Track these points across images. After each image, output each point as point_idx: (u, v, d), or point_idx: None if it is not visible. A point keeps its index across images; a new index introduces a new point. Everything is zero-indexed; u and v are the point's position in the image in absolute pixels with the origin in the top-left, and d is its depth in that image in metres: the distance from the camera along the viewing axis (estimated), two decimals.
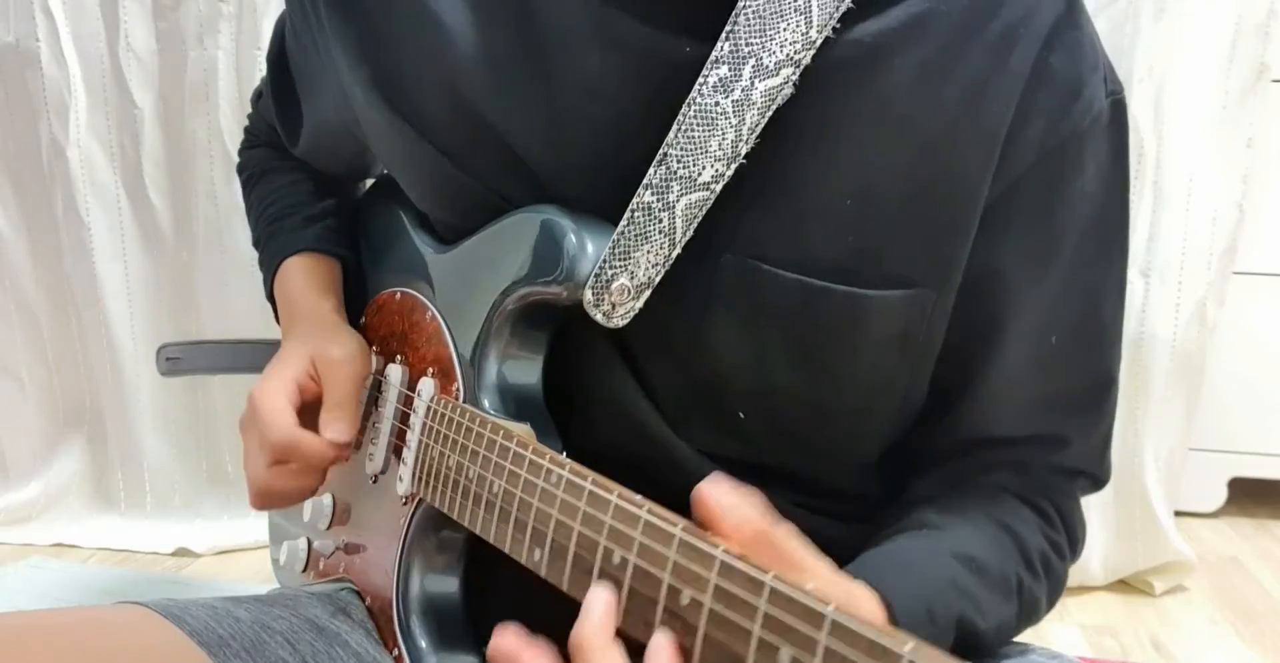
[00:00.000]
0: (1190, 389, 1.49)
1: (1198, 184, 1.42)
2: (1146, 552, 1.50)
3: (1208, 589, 1.52)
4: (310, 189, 0.85)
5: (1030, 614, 0.64)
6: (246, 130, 0.92)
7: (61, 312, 1.62)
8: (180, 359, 1.03)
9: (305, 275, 0.79)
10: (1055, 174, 0.59)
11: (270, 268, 0.81)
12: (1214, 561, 1.61)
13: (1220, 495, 1.76)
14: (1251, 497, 1.81)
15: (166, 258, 1.57)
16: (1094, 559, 1.49)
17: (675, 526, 0.45)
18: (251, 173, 0.89)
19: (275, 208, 0.84)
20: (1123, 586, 1.53)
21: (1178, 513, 1.57)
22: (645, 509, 0.47)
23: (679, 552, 0.44)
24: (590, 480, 0.50)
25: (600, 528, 0.49)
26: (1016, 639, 0.67)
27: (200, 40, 1.47)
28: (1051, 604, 0.66)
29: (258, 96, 0.91)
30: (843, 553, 0.66)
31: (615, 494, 0.48)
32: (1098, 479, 0.69)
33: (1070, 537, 0.67)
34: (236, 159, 0.93)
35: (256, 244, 0.85)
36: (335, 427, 0.68)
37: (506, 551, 0.56)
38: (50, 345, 1.64)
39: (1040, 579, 0.63)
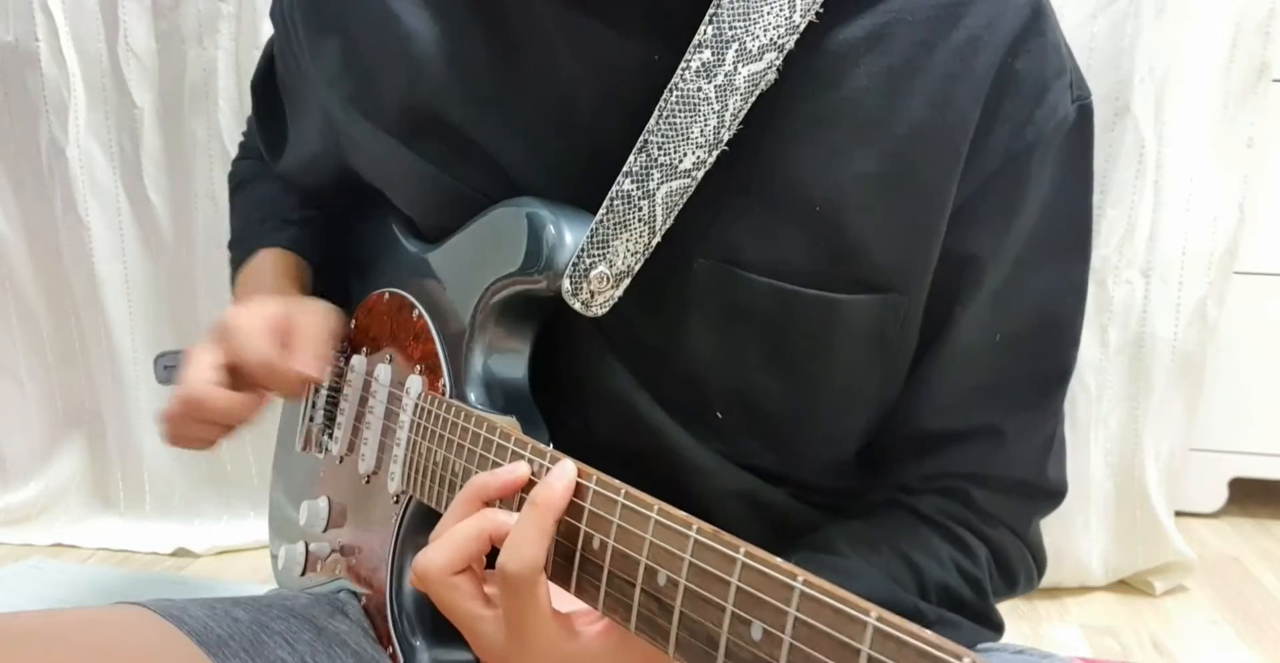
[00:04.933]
0: (1190, 389, 1.48)
1: (1198, 184, 1.41)
2: (1147, 552, 1.49)
3: (1208, 590, 1.51)
4: (295, 201, 0.85)
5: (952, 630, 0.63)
6: (241, 145, 0.93)
7: (61, 312, 1.62)
8: (178, 368, 1.04)
9: (275, 263, 0.80)
10: (1019, 178, 0.60)
11: (238, 261, 0.82)
12: (1214, 561, 1.60)
13: (1221, 496, 1.76)
14: (1252, 497, 1.81)
15: (166, 258, 1.57)
16: (1094, 559, 1.49)
17: (651, 508, 0.45)
18: (240, 180, 0.90)
19: (259, 212, 0.84)
20: (1123, 586, 1.52)
21: (1178, 513, 1.57)
22: (622, 493, 0.47)
23: (655, 533, 0.45)
24: None
25: (580, 514, 0.49)
26: (1012, 640, 0.67)
27: (200, 40, 1.47)
28: (990, 628, 0.65)
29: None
30: None
31: (594, 480, 0.49)
32: (1045, 490, 0.68)
33: (1006, 575, 0.66)
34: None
35: (231, 245, 0.85)
36: (305, 359, 0.67)
37: None
38: (50, 346, 1.64)
39: (942, 609, 0.62)
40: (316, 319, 0.71)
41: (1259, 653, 1.34)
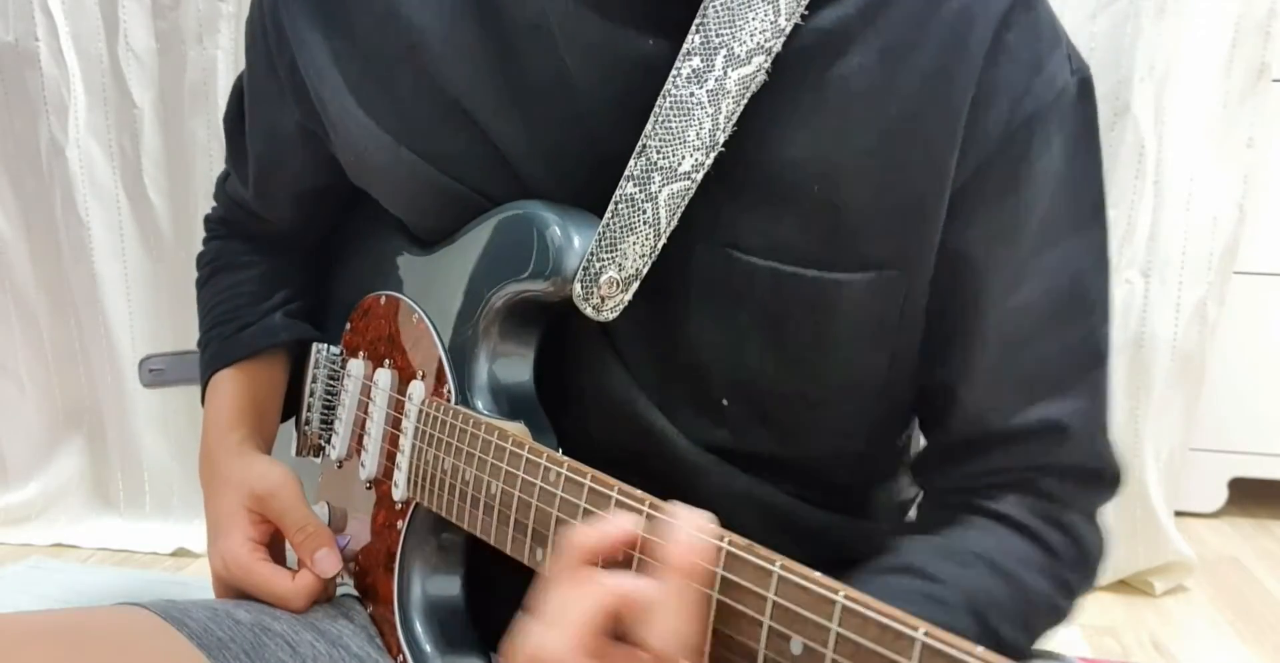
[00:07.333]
0: (1190, 389, 1.49)
1: (1198, 184, 1.42)
2: (1147, 552, 1.49)
3: (1208, 589, 1.52)
4: (254, 290, 0.83)
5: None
6: (207, 219, 0.89)
7: (61, 312, 1.62)
8: (163, 371, 1.04)
9: (223, 395, 0.80)
10: (1022, 152, 0.59)
11: (204, 373, 0.82)
12: (1214, 561, 1.61)
13: (1220, 496, 1.76)
14: (1252, 497, 1.81)
15: (166, 258, 1.57)
16: None
17: (677, 520, 0.45)
18: (202, 273, 0.87)
19: (219, 310, 0.83)
20: (1123, 586, 1.53)
21: (1178, 513, 1.57)
22: (647, 504, 0.47)
23: None
24: (589, 478, 0.51)
25: None
26: None
27: (200, 40, 1.46)
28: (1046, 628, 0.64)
29: (224, 177, 0.88)
30: (833, 544, 0.65)
31: (615, 490, 0.49)
32: (1107, 475, 0.66)
33: (1086, 565, 0.64)
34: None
35: (198, 344, 0.85)
36: (324, 563, 0.69)
37: (508, 552, 0.56)
38: (50, 346, 1.64)
39: (1031, 629, 0.61)
40: (283, 500, 0.71)
41: (1259, 653, 1.34)
